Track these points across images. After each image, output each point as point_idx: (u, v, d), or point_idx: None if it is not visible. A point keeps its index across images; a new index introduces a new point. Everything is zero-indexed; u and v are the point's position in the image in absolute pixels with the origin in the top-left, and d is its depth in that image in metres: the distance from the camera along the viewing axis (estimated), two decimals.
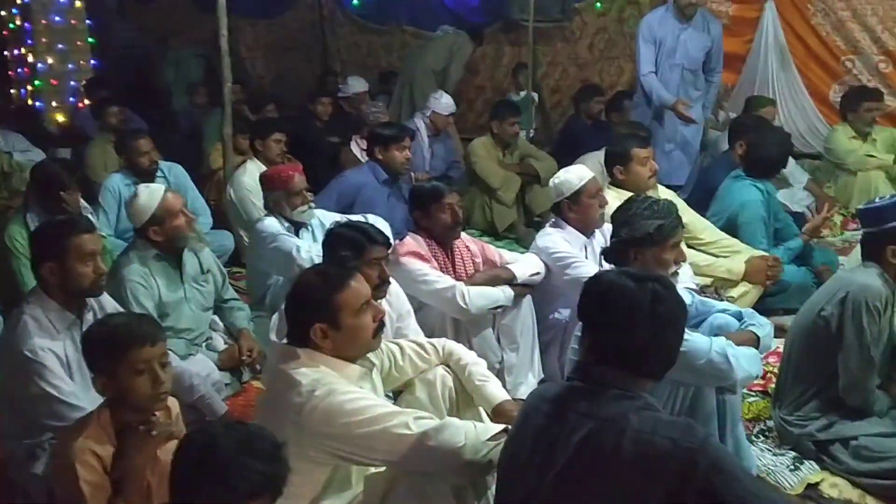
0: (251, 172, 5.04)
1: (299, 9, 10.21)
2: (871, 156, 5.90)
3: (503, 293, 3.56)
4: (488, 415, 2.67)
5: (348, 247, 3.01)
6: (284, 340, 2.43)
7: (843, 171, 6.00)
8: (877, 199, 3.13)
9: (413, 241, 3.64)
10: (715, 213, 4.69)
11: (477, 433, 2.23)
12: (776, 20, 7.14)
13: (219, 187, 5.66)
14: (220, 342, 3.72)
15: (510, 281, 3.60)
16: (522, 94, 7.81)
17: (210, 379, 3.39)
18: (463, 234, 3.81)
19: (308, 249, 3.87)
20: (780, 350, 3.41)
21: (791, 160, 6.38)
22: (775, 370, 3.47)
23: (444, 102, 6.51)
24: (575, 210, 3.77)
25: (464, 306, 3.45)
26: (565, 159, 5.14)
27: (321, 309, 2.33)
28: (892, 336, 3.14)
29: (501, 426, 2.29)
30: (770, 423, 3.34)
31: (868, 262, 3.08)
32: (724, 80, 6.61)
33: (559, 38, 8.30)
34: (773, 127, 5.56)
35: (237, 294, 4.02)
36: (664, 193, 4.40)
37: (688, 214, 4.37)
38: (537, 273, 3.67)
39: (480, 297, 3.50)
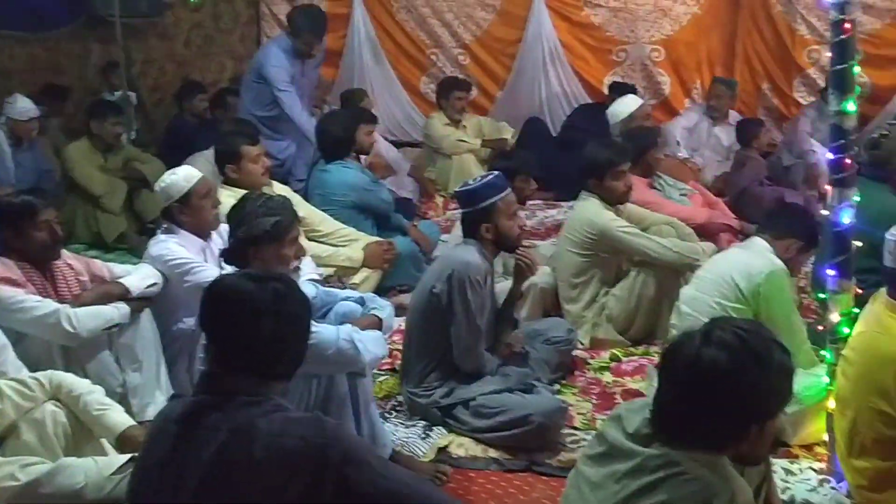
0: None
1: None
2: (463, 141, 6.50)
3: (117, 310, 3.27)
4: (113, 445, 2.45)
5: None
6: None
7: (440, 155, 6.53)
8: (470, 181, 3.44)
9: (2, 267, 3.19)
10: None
11: (99, 469, 2.02)
12: (366, 16, 7.51)
13: None
14: None
15: (124, 296, 3.32)
16: (118, 93, 7.27)
17: None
18: (63, 252, 3.44)
19: None
20: (403, 328, 3.61)
21: (394, 149, 6.84)
22: (400, 347, 3.66)
23: (19, 107, 5.78)
24: (187, 213, 3.59)
25: (72, 331, 3.11)
26: (173, 160, 4.88)
27: None
28: (494, 304, 3.48)
29: (128, 456, 2.11)
30: (400, 398, 3.52)
31: (468, 240, 3.38)
32: (324, 74, 6.79)
33: (153, 35, 7.87)
34: (341, 111, 5.84)
35: None
36: (279, 189, 4.41)
37: (304, 208, 4.45)
38: (154, 284, 3.44)
39: (91, 317, 3.18)
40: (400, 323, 3.73)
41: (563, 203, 6.01)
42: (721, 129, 6.52)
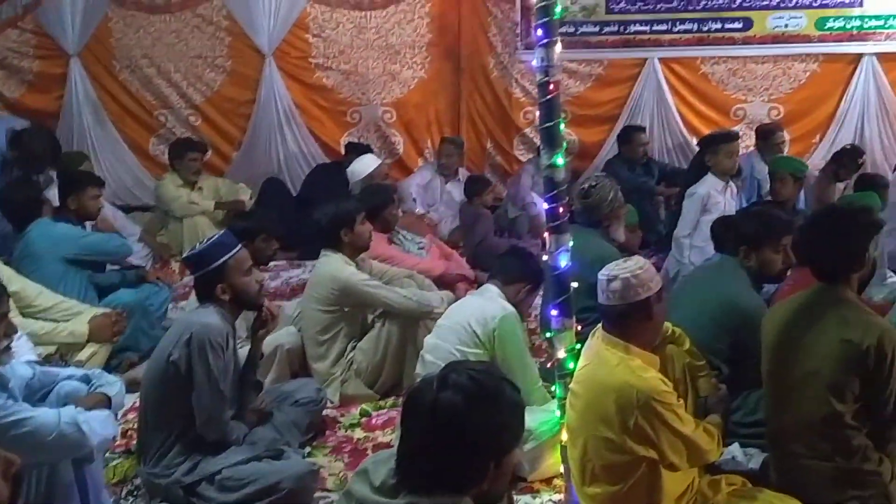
0: None
1: None
2: (195, 203, 6.27)
3: None
4: None
5: None
6: None
7: (172, 218, 6.25)
8: (197, 244, 3.31)
9: None
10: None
11: None
12: (84, 76, 7.10)
13: None
14: None
15: None
16: None
17: None
18: None
19: None
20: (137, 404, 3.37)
21: (122, 214, 6.46)
22: (135, 426, 3.40)
23: None
24: None
25: None
26: None
27: None
28: (238, 367, 3.35)
29: None
30: (138, 481, 3.27)
31: (205, 303, 3.24)
32: None
33: None
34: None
35: None
36: None
37: (17, 282, 4.07)
38: None
39: None
40: (134, 399, 3.48)
41: (306, 262, 5.99)
42: (452, 186, 6.86)
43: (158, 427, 3.16)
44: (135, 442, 3.37)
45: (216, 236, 3.26)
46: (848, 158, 6.16)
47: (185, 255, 3.36)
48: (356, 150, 6.55)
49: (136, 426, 3.38)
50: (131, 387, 3.41)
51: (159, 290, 4.87)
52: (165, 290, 4.96)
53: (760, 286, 3.66)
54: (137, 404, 3.36)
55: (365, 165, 5.76)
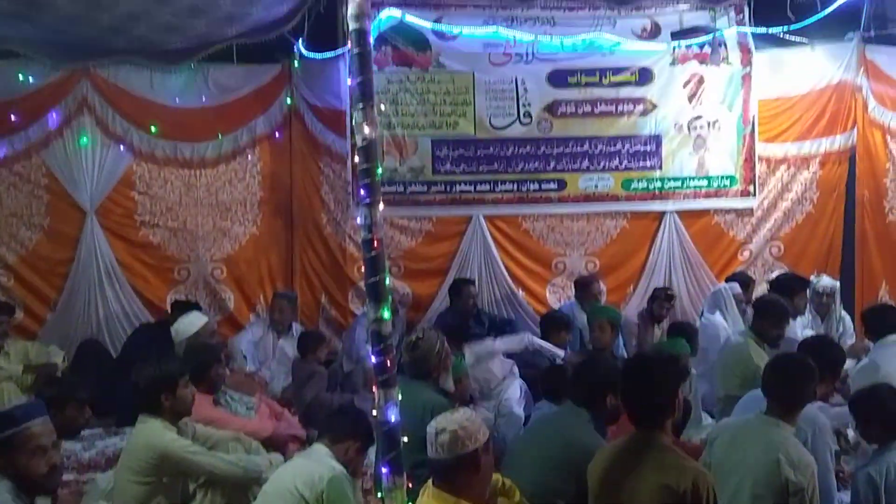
0: None
1: None
2: (1, 367, 5.81)
3: None
4: None
5: None
6: None
7: None
8: None
9: None
10: None
11: None
12: None
13: None
14: None
15: None
16: None
17: None
18: None
19: None
20: None
21: None
22: None
23: None
24: None
25: None
26: None
27: None
28: None
29: None
30: None
31: None
32: None
33: None
34: None
35: None
36: None
37: None
38: None
39: None
40: None
41: (125, 429, 5.58)
42: (286, 341, 6.73)
43: None
44: None
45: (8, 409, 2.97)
46: (662, 297, 6.81)
47: None
48: (183, 307, 6.34)
49: None
50: None
51: None
52: None
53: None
54: None
55: (189, 324, 5.55)
